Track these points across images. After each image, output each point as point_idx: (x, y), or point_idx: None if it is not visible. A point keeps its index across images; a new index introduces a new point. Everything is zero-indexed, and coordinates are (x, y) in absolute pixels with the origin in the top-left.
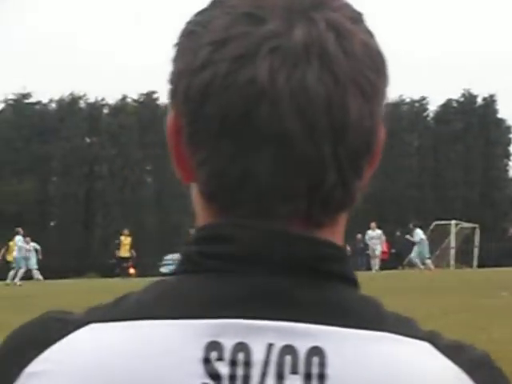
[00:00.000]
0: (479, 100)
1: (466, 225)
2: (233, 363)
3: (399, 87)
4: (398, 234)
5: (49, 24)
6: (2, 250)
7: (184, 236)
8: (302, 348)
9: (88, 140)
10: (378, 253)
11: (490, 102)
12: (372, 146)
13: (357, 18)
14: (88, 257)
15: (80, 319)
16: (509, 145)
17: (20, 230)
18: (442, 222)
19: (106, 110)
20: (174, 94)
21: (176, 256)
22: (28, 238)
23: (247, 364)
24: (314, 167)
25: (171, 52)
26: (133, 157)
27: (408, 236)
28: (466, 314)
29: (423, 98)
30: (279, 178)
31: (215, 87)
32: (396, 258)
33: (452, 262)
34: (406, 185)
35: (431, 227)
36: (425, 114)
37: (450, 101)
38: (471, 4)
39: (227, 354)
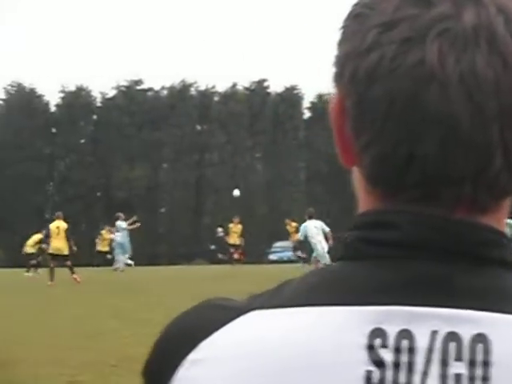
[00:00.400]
0: None
1: None
2: (397, 350)
3: None
4: None
5: (162, 12)
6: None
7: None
8: (466, 335)
9: (198, 127)
10: None
11: None
12: None
13: None
14: (197, 243)
15: (242, 306)
16: None
17: (121, 214)
18: None
19: (216, 98)
20: (339, 76)
21: (286, 243)
22: (108, 228)
23: (411, 351)
24: (481, 151)
25: (336, 35)
26: (243, 144)
27: None
28: None
29: None
30: (445, 161)
31: (383, 69)
32: None
33: None
34: None
35: None
36: None
37: None
38: None
39: (391, 341)
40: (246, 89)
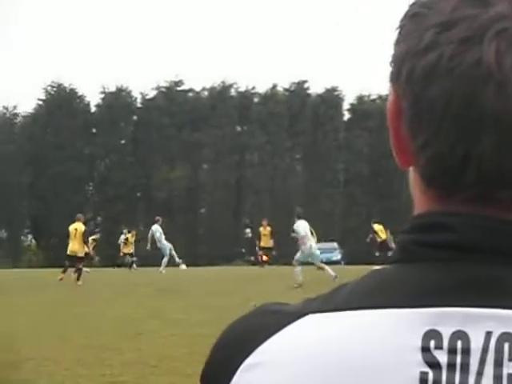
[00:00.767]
0: None
1: None
2: (451, 351)
3: None
4: None
5: (204, 13)
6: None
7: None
8: None
9: (238, 128)
10: None
11: None
12: None
13: None
14: (237, 244)
15: (297, 311)
16: None
17: (159, 218)
18: None
19: (256, 99)
20: (396, 76)
21: (324, 245)
22: (134, 232)
23: (466, 352)
24: None
25: (393, 35)
26: (282, 145)
27: None
28: None
29: None
30: (502, 162)
31: (440, 69)
32: None
33: None
34: None
35: None
36: None
37: None
38: None
39: (445, 343)
40: (286, 90)
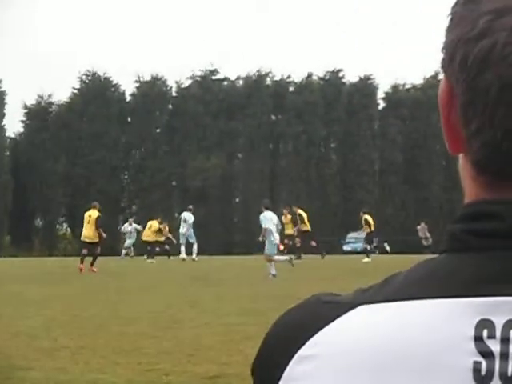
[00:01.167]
0: None
1: None
2: (504, 341)
3: None
4: None
5: (239, 2)
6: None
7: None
8: None
9: (273, 117)
10: None
11: None
12: None
13: None
14: None
15: (350, 301)
16: None
17: (191, 207)
18: None
19: (291, 88)
20: (449, 62)
21: (360, 234)
22: (131, 220)
23: None
24: None
25: (445, 21)
26: (317, 134)
27: None
28: None
29: None
30: None
31: (494, 56)
32: None
33: None
34: None
35: None
36: None
37: None
38: None
39: (498, 332)
40: (321, 79)
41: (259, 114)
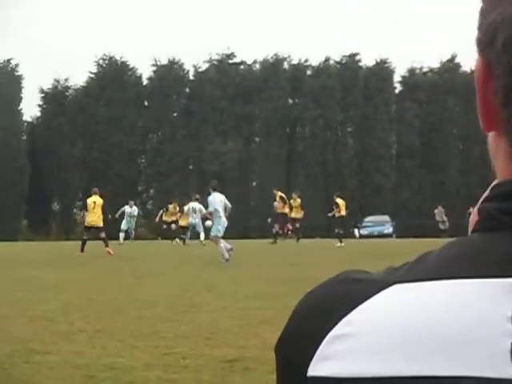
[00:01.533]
0: None
1: None
2: None
3: None
4: None
5: None
6: (160, 212)
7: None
8: None
9: (290, 101)
10: None
11: None
12: None
13: None
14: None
15: (383, 279)
16: None
17: (198, 196)
18: None
19: (308, 72)
20: (489, 43)
21: (377, 218)
22: (132, 202)
23: None
24: None
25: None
26: (334, 118)
27: None
28: None
29: None
30: None
31: None
32: None
33: None
34: None
35: None
36: None
37: None
38: None
39: None
40: (338, 63)
41: (276, 98)
